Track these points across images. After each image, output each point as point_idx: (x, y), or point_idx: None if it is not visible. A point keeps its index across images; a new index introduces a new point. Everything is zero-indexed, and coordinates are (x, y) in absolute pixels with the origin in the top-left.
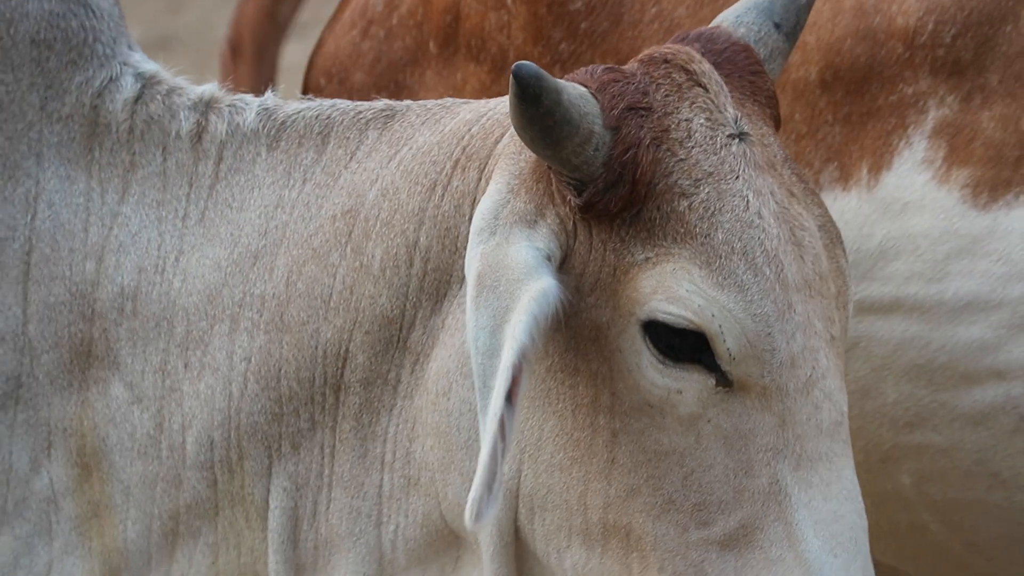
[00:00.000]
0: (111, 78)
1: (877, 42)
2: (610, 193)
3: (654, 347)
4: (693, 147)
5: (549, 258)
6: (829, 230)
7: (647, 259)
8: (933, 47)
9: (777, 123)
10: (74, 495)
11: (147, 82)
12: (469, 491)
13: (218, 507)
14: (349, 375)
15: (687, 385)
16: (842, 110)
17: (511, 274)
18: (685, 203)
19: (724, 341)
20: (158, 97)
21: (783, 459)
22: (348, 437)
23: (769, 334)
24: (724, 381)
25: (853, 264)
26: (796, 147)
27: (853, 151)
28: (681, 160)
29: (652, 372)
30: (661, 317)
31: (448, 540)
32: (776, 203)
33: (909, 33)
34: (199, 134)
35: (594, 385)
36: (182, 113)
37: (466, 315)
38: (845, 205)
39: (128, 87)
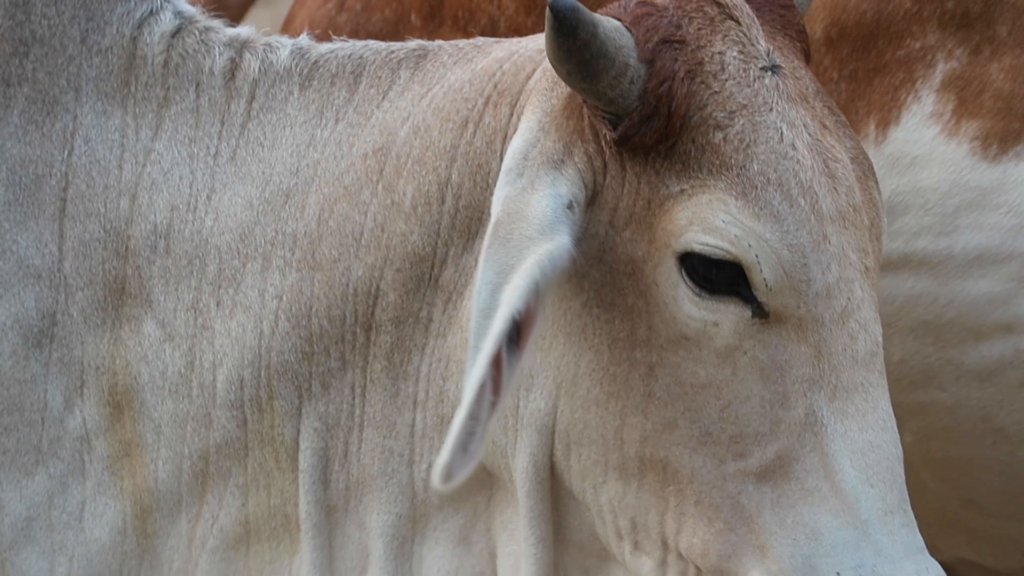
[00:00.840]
0: (151, 11)
1: None
2: (646, 126)
3: (690, 280)
4: (727, 80)
5: (572, 205)
6: (861, 162)
7: (682, 191)
8: (941, 0)
9: (807, 57)
10: (106, 434)
11: (185, 19)
12: (499, 431)
13: (248, 448)
14: (380, 314)
15: (723, 317)
16: (848, 67)
17: (526, 228)
18: (720, 135)
19: (761, 271)
20: (195, 33)
21: (819, 390)
22: (379, 377)
23: (805, 264)
24: (760, 313)
25: None
26: None
27: (860, 107)
28: (715, 93)
29: (689, 305)
30: (697, 248)
31: (481, 479)
32: (809, 135)
33: None
34: (232, 71)
35: (630, 319)
36: (217, 49)
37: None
38: None
39: (167, 21)
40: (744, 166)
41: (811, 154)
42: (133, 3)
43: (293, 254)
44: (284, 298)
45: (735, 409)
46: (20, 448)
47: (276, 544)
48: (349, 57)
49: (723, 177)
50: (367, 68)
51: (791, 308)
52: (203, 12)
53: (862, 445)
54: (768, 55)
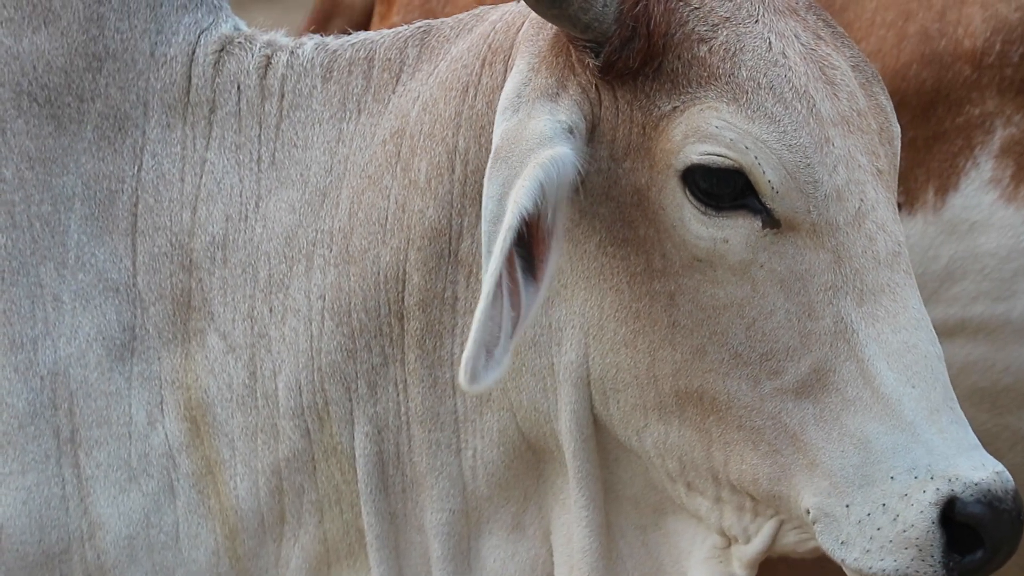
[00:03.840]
0: (215, 21)
1: (944, 65)
2: (627, 49)
3: (694, 197)
4: None
5: (572, 130)
6: (863, 69)
7: (674, 108)
8: (1001, 67)
9: None
10: (188, 451)
11: (236, 26)
12: (539, 394)
13: (315, 460)
14: (408, 299)
15: (733, 232)
16: (907, 135)
17: (525, 145)
18: (705, 48)
19: (764, 173)
20: (242, 38)
21: (844, 295)
22: (416, 367)
23: (809, 165)
24: (771, 222)
25: (919, 287)
26: None
27: (919, 175)
28: (695, 8)
29: (696, 224)
30: (695, 159)
31: (527, 461)
32: (802, 44)
33: (976, 54)
34: (265, 68)
35: (644, 251)
36: (256, 48)
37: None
38: (911, 229)
39: (222, 28)
40: (732, 74)
41: (804, 62)
42: (200, 13)
43: (331, 251)
44: (327, 296)
45: (761, 326)
46: (112, 463)
47: (354, 562)
48: (361, 43)
49: (712, 87)
50: (377, 51)
51: (801, 213)
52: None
53: (897, 346)
54: None
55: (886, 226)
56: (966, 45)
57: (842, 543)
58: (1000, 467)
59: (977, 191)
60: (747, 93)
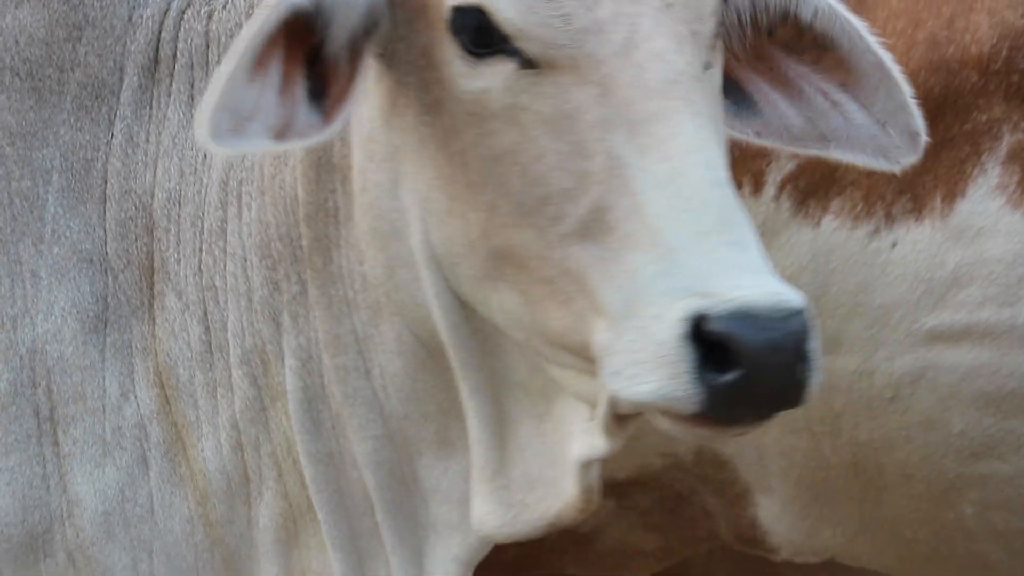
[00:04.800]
0: None
1: (951, 72)
2: None
3: (461, 48)
4: None
5: None
6: None
7: None
8: (1008, 73)
9: None
10: (158, 419)
11: None
12: (413, 281)
13: (265, 408)
14: (303, 215)
15: (491, 80)
16: None
17: None
18: None
19: (500, 10)
20: None
21: (614, 129)
22: (314, 291)
23: None
24: (526, 63)
25: (925, 293)
26: (868, 181)
27: (926, 181)
28: None
29: (461, 78)
30: (449, 2)
31: (432, 370)
32: None
33: (983, 61)
34: (209, 16)
35: (441, 112)
36: (205, 7)
37: None
38: (918, 235)
39: None
40: None
41: None
42: None
43: (253, 186)
44: (252, 232)
45: (535, 171)
46: (87, 438)
47: (314, 515)
48: None
49: None
50: None
51: (554, 49)
52: None
53: (665, 174)
54: None
55: (663, 55)
56: (973, 51)
57: (613, 373)
58: (779, 290)
59: (984, 197)
60: None
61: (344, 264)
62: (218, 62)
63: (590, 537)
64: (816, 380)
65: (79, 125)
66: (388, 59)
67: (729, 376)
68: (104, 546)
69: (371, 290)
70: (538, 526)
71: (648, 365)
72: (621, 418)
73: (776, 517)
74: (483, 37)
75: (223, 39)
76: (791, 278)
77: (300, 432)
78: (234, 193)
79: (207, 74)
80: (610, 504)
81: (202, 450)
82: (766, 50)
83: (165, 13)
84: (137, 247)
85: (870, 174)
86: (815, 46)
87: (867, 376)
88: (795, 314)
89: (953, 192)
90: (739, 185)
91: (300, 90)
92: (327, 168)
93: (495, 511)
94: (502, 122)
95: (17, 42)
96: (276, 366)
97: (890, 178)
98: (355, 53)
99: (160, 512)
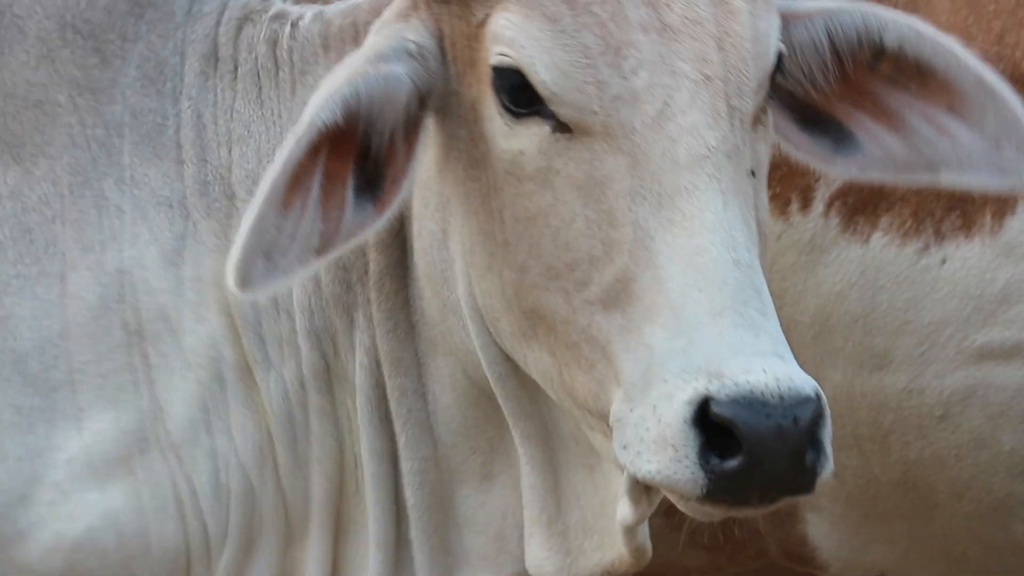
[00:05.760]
0: None
1: None
2: None
3: (500, 106)
4: None
5: (420, 51)
6: None
7: (486, 16)
8: None
9: None
10: (230, 343)
11: None
12: (462, 329)
13: (332, 384)
14: (371, 242)
15: (527, 141)
16: None
17: (359, 57)
18: None
19: (538, 72)
20: (258, 7)
21: (643, 201)
22: (379, 313)
23: (591, 65)
24: (560, 127)
25: (975, 311)
26: (917, 197)
27: (976, 198)
28: None
29: (500, 136)
30: (492, 62)
31: (484, 408)
32: None
33: None
34: (275, 41)
35: (485, 168)
36: (264, 21)
37: None
38: (968, 252)
39: None
40: None
41: None
42: None
43: None
44: None
45: (564, 235)
46: (172, 352)
47: (359, 501)
48: (349, 10)
49: None
50: (359, 17)
51: (588, 116)
52: None
53: (689, 251)
54: None
55: (695, 130)
56: (1023, 67)
57: (623, 447)
58: (790, 376)
59: None
60: None
61: (414, 294)
62: (291, 81)
63: None
64: (827, 468)
65: (145, 92)
66: (443, 112)
67: (732, 463)
68: (191, 448)
69: (430, 326)
70: (594, 572)
71: (653, 445)
72: (646, 487)
73: (826, 534)
74: (521, 97)
75: (296, 64)
76: (839, 295)
77: (366, 427)
78: None
79: (276, 86)
80: (658, 521)
81: (268, 390)
82: (869, 85)
83: (221, 14)
84: (218, 206)
85: (919, 191)
86: (917, 74)
87: (917, 394)
88: (805, 401)
89: (1003, 209)
90: (787, 202)
91: (347, 191)
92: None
93: (552, 557)
94: (536, 184)
95: (78, 3)
96: (347, 356)
97: (939, 195)
98: (413, 128)
99: (237, 432)
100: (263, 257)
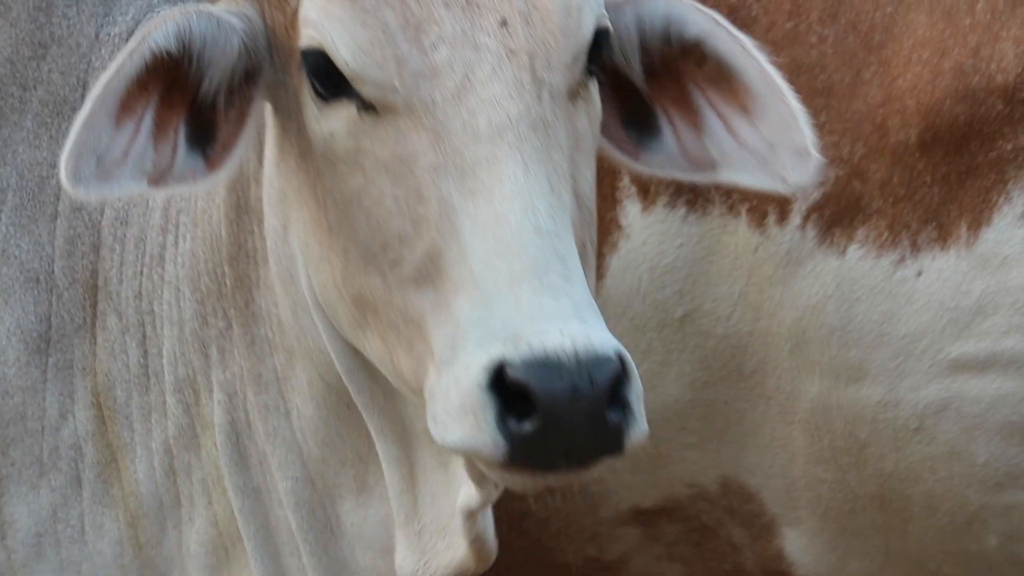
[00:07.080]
0: None
1: (976, 101)
2: None
3: (312, 89)
4: None
5: (249, 26)
6: None
7: (299, 1)
8: None
9: None
10: (94, 439)
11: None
12: (313, 327)
13: (197, 436)
14: (226, 255)
15: (336, 124)
16: (940, 170)
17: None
18: None
19: (338, 51)
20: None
21: (446, 175)
22: (238, 329)
23: (390, 42)
24: (365, 106)
25: (950, 323)
26: (893, 210)
27: (952, 210)
28: None
29: (314, 122)
30: (300, 46)
31: (345, 416)
32: None
33: (1008, 89)
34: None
35: (310, 157)
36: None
37: None
38: (943, 264)
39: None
40: None
41: None
42: None
43: (188, 216)
44: (186, 263)
45: (376, 215)
46: (25, 460)
47: (244, 546)
48: None
49: None
50: None
51: (390, 92)
52: None
53: (489, 220)
54: None
55: (497, 101)
56: (999, 80)
57: (433, 419)
58: (587, 336)
59: (1009, 225)
60: None
61: (264, 305)
62: None
63: (616, 566)
64: (638, 428)
65: (37, 143)
66: (276, 105)
67: (528, 425)
68: (34, 568)
69: (286, 333)
70: (447, 573)
71: (456, 413)
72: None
73: (803, 549)
74: (329, 80)
75: None
76: (816, 308)
77: (227, 465)
78: (173, 221)
79: None
80: (635, 533)
81: (135, 472)
82: (687, 79)
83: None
84: (83, 265)
85: (895, 202)
86: (718, 71)
87: (892, 406)
88: (603, 361)
89: (978, 221)
90: (764, 214)
91: (178, 135)
92: (245, 210)
93: (409, 557)
94: (348, 166)
95: None
96: (205, 397)
97: (915, 206)
98: (243, 100)
99: (91, 533)
100: (96, 159)
